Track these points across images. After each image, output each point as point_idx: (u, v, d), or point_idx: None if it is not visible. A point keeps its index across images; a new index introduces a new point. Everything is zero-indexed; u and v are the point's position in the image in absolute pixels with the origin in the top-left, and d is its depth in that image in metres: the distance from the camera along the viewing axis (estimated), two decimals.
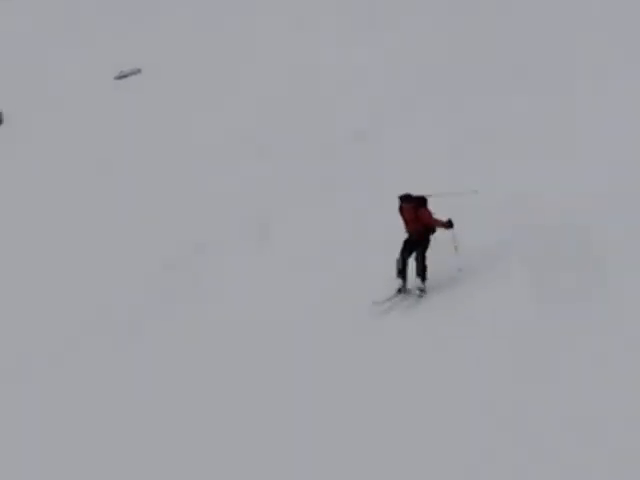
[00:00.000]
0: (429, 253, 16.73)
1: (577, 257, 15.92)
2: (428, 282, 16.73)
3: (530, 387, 13.64)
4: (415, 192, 16.80)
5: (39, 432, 16.10)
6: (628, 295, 14.82)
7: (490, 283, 16.20)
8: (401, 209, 16.83)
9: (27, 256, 21.99)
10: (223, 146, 24.54)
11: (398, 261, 16.85)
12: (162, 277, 19.70)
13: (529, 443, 12.64)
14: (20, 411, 16.78)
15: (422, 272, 16.78)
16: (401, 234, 16.81)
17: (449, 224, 16.57)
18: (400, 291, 16.74)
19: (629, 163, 18.21)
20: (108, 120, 27.96)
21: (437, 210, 16.88)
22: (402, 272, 16.82)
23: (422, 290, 16.68)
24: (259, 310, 17.79)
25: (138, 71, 31.12)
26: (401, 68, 25.44)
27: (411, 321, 16.21)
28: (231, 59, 29.40)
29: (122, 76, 30.98)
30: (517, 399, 13.49)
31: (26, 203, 24.45)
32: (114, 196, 23.60)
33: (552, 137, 20.13)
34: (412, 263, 16.81)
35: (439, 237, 16.74)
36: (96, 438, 15.51)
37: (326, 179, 21.35)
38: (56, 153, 26.66)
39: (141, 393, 16.37)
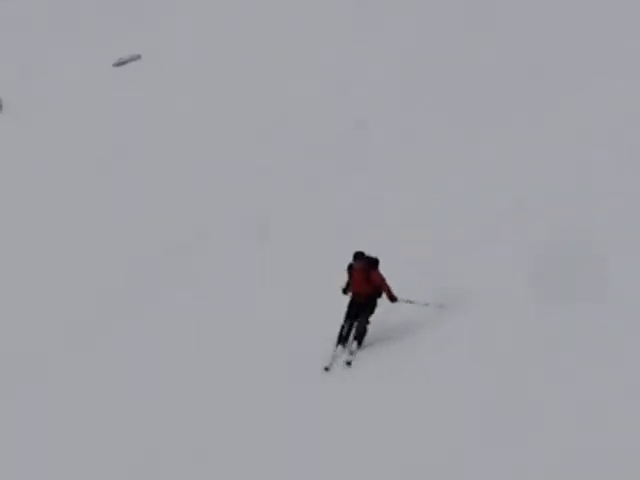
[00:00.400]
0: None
1: (577, 257, 15.91)
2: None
3: (530, 387, 13.63)
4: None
5: (39, 424, 16.07)
6: (628, 295, 14.83)
7: (491, 283, 16.14)
8: (350, 268, 16.07)
9: (26, 247, 21.92)
10: (221, 139, 24.44)
11: (343, 327, 16.08)
12: (162, 275, 19.57)
13: (529, 443, 12.60)
14: (19, 402, 16.79)
15: (361, 336, 16.02)
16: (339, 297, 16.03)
17: (394, 298, 15.86)
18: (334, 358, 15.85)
19: (629, 161, 18.29)
20: (107, 109, 27.91)
21: (435, 212, 16.91)
22: (345, 340, 16.04)
23: (353, 355, 15.85)
24: (259, 309, 17.68)
25: (138, 57, 30.91)
26: (401, 68, 25.38)
27: (414, 328, 16.11)
28: (230, 52, 29.30)
29: (121, 63, 30.78)
30: (517, 398, 13.46)
31: (25, 191, 24.40)
32: (113, 193, 23.46)
33: (552, 136, 20.13)
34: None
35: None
36: (93, 433, 15.43)
37: (326, 179, 21.26)
38: (55, 142, 26.63)
39: (139, 393, 16.27)
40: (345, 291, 16.15)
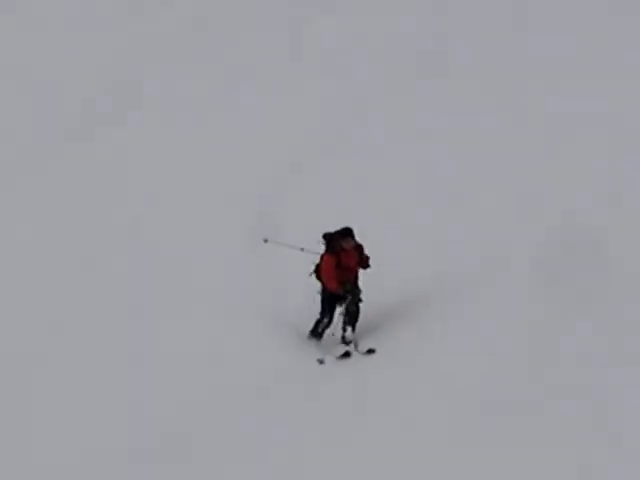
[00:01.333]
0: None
1: (588, 258, 15.86)
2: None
3: (531, 386, 13.61)
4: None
5: None
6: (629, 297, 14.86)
7: (496, 282, 15.97)
8: (339, 253, 13.70)
9: None
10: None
11: (321, 322, 14.27)
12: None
13: (530, 443, 12.56)
14: None
15: (356, 319, 14.23)
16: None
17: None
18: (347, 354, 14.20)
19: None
20: None
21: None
22: (320, 335, 14.42)
23: (354, 342, 14.32)
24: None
25: None
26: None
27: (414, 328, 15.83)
28: None
29: None
30: (518, 398, 13.43)
31: None
32: None
33: (551, 133, 19.99)
34: None
35: None
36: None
37: (322, 161, 20.53)
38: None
39: None
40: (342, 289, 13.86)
